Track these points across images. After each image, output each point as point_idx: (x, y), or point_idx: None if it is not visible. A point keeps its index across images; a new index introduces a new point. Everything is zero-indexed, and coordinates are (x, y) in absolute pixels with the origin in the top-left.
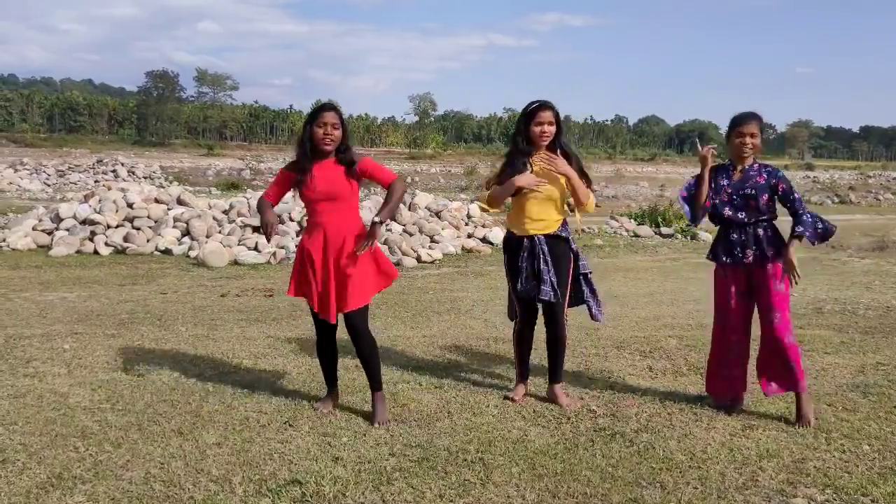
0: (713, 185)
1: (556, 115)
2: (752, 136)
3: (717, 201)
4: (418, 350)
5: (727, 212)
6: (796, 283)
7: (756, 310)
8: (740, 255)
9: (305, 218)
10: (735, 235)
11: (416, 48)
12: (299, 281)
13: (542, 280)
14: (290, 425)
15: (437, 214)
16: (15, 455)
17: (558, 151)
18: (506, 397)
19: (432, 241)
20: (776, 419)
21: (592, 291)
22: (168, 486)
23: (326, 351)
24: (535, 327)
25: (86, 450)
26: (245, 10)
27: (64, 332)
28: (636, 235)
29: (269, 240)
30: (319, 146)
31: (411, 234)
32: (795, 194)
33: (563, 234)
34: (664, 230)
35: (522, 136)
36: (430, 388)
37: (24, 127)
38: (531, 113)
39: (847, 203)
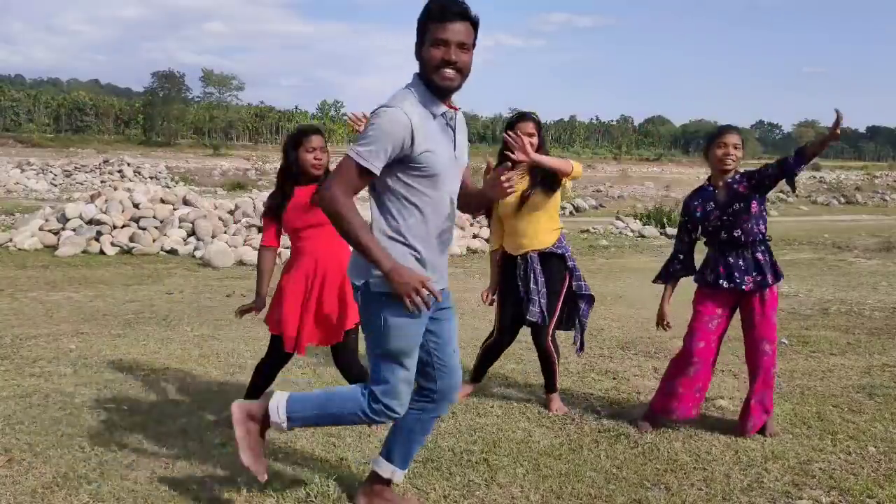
0: (698, 215)
1: (538, 126)
2: (735, 147)
3: (710, 228)
4: None
5: (723, 236)
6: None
7: (744, 338)
8: (739, 280)
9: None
10: (732, 259)
11: None
12: (284, 317)
13: (531, 300)
14: None
15: None
16: (21, 454)
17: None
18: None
19: None
20: (781, 421)
21: (582, 320)
22: (173, 485)
23: (271, 374)
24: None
25: (91, 449)
26: (252, 10)
27: (70, 331)
28: (641, 236)
29: (240, 315)
30: (309, 172)
31: None
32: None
33: (559, 252)
34: (669, 230)
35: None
36: None
37: (31, 127)
38: (511, 125)
39: (853, 203)
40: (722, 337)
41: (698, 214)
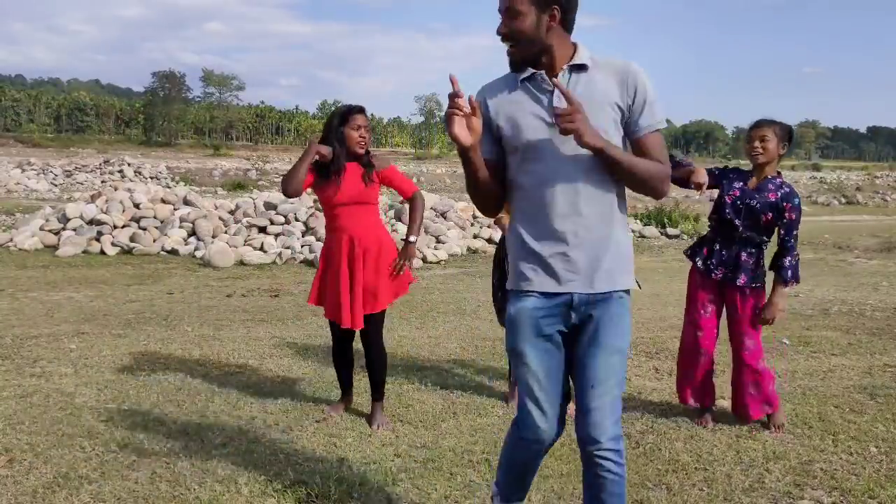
0: (724, 182)
1: None
2: (761, 139)
3: (723, 200)
4: (424, 351)
5: (728, 213)
6: (765, 324)
7: (728, 329)
8: (713, 268)
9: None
10: (717, 247)
11: (423, 48)
12: (321, 289)
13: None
14: (295, 426)
15: (443, 215)
16: (21, 454)
17: None
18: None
19: (438, 241)
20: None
21: None
22: (174, 486)
23: (343, 357)
24: None
25: (92, 449)
26: (252, 10)
27: (70, 331)
28: (642, 236)
29: (322, 152)
30: (354, 149)
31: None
32: (796, 231)
33: None
34: (670, 231)
35: None
36: (436, 388)
37: (32, 127)
38: None
39: (854, 204)
40: (718, 324)
41: (724, 181)
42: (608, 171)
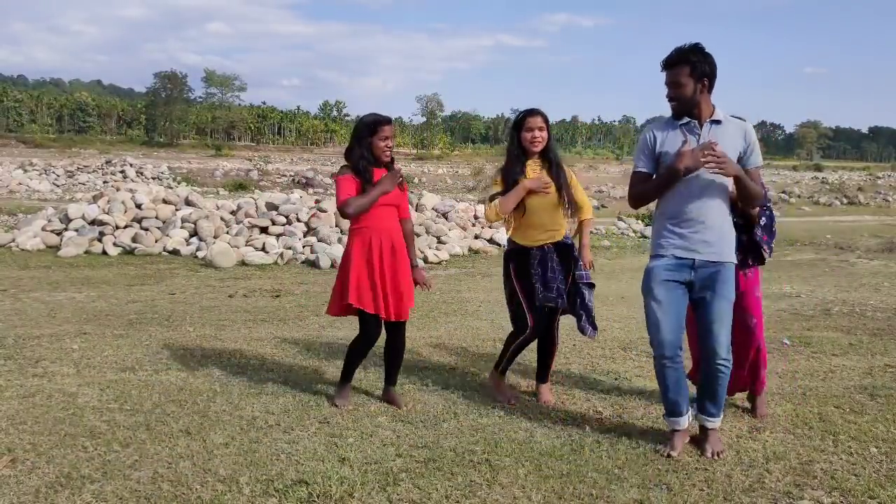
0: None
1: (546, 121)
2: None
3: None
4: (425, 351)
5: None
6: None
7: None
8: None
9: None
10: None
11: (424, 49)
12: (359, 289)
13: (550, 288)
14: (296, 426)
15: (444, 215)
16: (24, 454)
17: (551, 164)
18: (503, 401)
19: (439, 241)
20: (783, 421)
21: (587, 305)
22: (176, 485)
23: (368, 350)
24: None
25: (94, 449)
26: (253, 11)
27: (73, 332)
28: (643, 236)
29: (393, 181)
30: (381, 158)
31: (418, 235)
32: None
33: (569, 241)
34: None
35: (516, 146)
36: (437, 388)
37: (34, 128)
38: (520, 121)
39: (856, 204)
40: None
41: None
42: (729, 186)
